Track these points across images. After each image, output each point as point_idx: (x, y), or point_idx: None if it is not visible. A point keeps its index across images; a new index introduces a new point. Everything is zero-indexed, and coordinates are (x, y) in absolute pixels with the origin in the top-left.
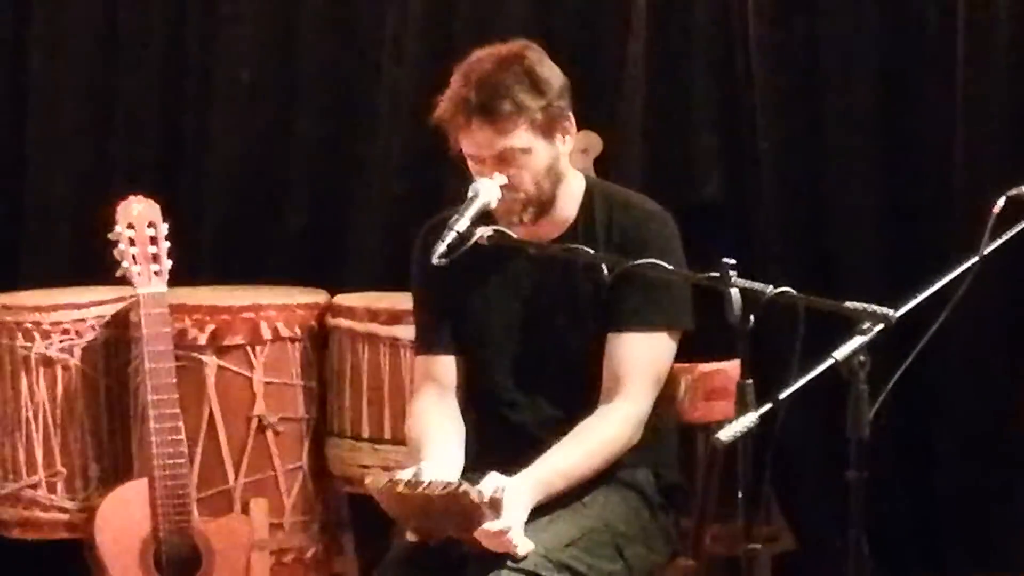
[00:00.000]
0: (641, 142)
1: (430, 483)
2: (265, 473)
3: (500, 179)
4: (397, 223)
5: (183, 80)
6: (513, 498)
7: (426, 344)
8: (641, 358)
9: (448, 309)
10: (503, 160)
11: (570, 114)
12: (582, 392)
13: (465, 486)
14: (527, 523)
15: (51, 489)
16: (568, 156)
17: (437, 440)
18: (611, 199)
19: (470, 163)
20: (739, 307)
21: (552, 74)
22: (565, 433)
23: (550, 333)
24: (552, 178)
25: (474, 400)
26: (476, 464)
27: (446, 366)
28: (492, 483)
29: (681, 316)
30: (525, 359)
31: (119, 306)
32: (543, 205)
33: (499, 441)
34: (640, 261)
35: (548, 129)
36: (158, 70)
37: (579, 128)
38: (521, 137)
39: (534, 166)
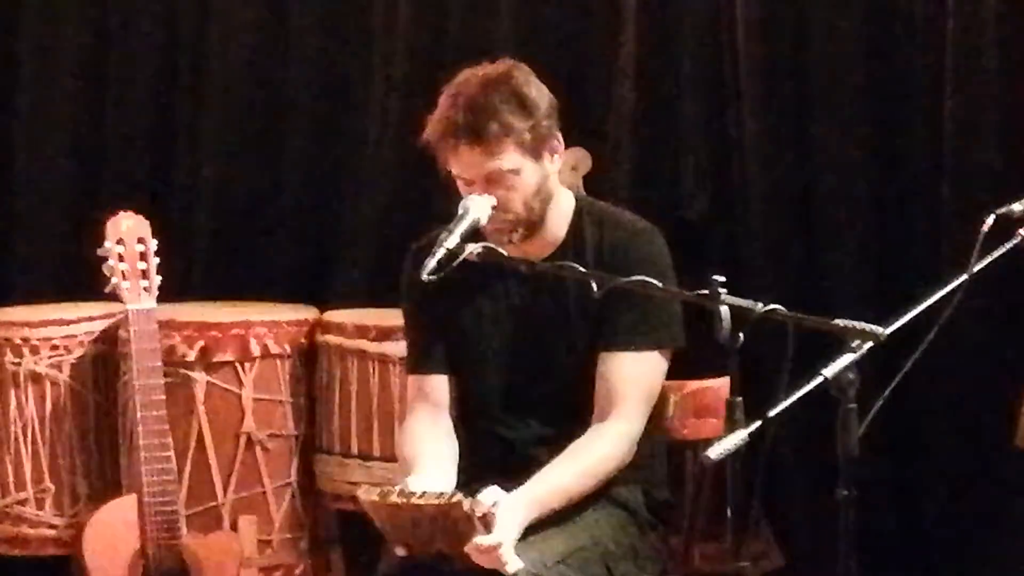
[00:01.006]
0: (629, 159)
1: (423, 494)
2: (254, 490)
3: (490, 200)
4: (386, 240)
5: (173, 97)
6: (506, 515)
7: (417, 364)
8: (634, 377)
9: (439, 328)
10: (492, 181)
11: (558, 133)
12: (573, 410)
13: (458, 496)
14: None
15: (39, 505)
16: (557, 175)
17: (429, 458)
18: (600, 217)
19: (459, 184)
20: (729, 324)
21: (539, 94)
22: (557, 450)
23: (540, 351)
24: (541, 198)
25: (466, 418)
26: (469, 481)
27: (438, 385)
28: (492, 496)
29: (673, 334)
30: (516, 377)
31: (108, 322)
32: (533, 225)
33: (491, 459)
34: (630, 279)
35: (536, 149)
36: (148, 86)
37: (568, 145)
38: (509, 158)
39: (523, 187)
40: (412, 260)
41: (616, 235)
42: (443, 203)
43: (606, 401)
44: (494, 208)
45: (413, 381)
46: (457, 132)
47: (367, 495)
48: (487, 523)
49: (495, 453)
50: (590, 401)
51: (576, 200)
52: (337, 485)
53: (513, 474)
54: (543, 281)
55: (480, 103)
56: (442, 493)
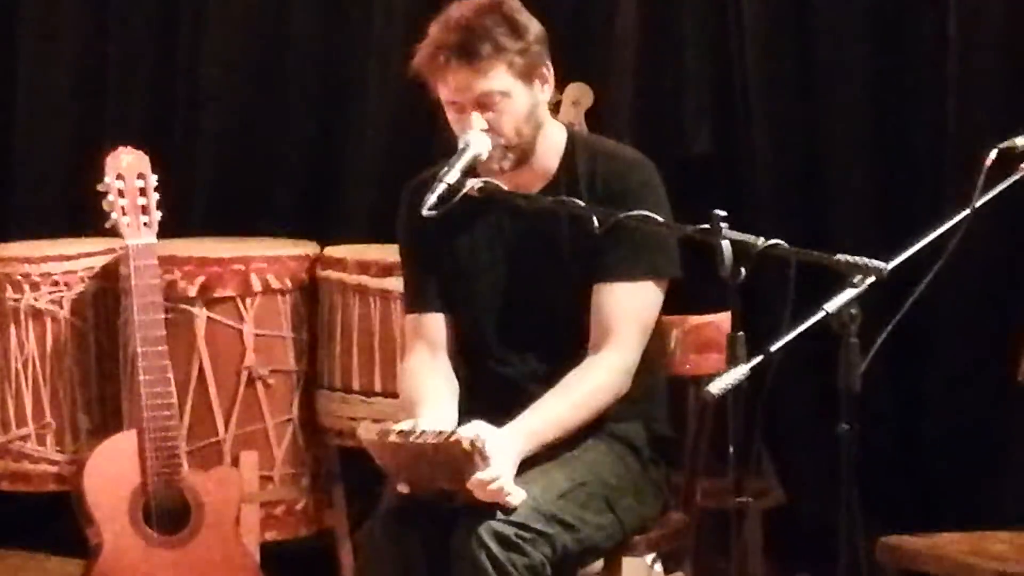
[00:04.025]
0: (632, 95)
1: (423, 432)
2: (255, 425)
3: (480, 123)
4: (388, 175)
5: (175, 32)
6: (500, 448)
7: (415, 303)
8: (628, 308)
9: (434, 266)
10: (482, 104)
11: (548, 63)
12: (569, 344)
13: (458, 435)
14: (517, 475)
15: (40, 441)
16: (547, 106)
17: (430, 397)
18: (593, 149)
19: (449, 112)
20: (730, 259)
21: (530, 21)
22: (554, 385)
23: (535, 286)
24: (532, 125)
25: (463, 355)
26: (468, 418)
27: (436, 324)
28: (472, 431)
29: (667, 265)
30: (511, 313)
31: (108, 258)
32: (523, 152)
33: (489, 395)
34: (632, 213)
35: (527, 73)
36: (150, 21)
37: (571, 81)
38: (500, 79)
39: (514, 110)
40: (407, 200)
41: (608, 166)
42: (444, 138)
43: (601, 332)
44: (483, 132)
45: (411, 320)
46: (449, 53)
47: (367, 434)
48: (485, 458)
49: (493, 390)
50: (585, 334)
51: (568, 134)
52: (339, 421)
53: (511, 410)
54: (536, 216)
55: (472, 24)
56: (441, 431)
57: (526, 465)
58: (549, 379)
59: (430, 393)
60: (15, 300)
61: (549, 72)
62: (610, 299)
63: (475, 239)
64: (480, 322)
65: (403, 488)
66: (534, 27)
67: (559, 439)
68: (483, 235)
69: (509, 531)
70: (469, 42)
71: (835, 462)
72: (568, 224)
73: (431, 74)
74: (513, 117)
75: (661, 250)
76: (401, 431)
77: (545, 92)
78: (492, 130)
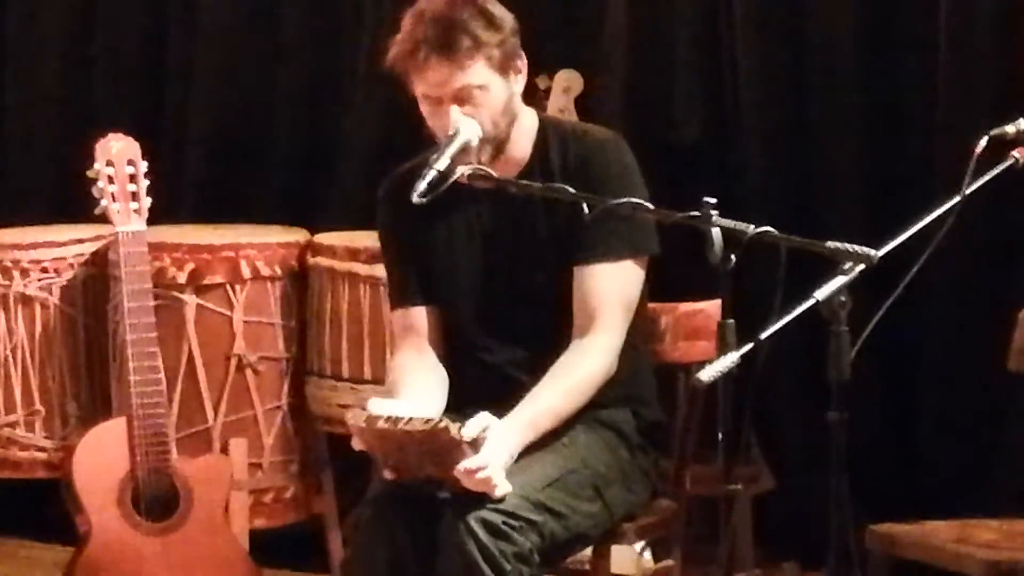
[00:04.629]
0: (622, 81)
1: (410, 419)
2: (244, 412)
3: (458, 115)
4: (378, 162)
5: (166, 18)
6: (494, 439)
7: (400, 298)
8: (610, 289)
9: (414, 259)
10: (460, 98)
11: (522, 53)
12: (552, 329)
13: (445, 422)
14: None
15: (29, 428)
16: (520, 95)
17: (411, 386)
18: (563, 132)
19: (424, 105)
20: (720, 246)
21: (503, 12)
22: (538, 372)
23: (513, 273)
24: (507, 116)
25: (449, 345)
26: (456, 409)
27: (422, 317)
28: (481, 422)
29: (646, 242)
30: (492, 300)
31: (98, 244)
32: (499, 144)
33: (476, 384)
34: (621, 200)
35: (504, 66)
36: (140, 8)
37: (560, 68)
38: (479, 73)
39: (491, 103)
40: (385, 193)
41: (580, 148)
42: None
43: (584, 315)
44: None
45: (398, 316)
46: (428, 47)
47: (354, 420)
48: (476, 447)
49: (478, 378)
50: (568, 321)
51: (539, 119)
52: (328, 408)
53: (497, 398)
54: (511, 203)
55: (448, 18)
56: (429, 419)
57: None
58: (532, 365)
59: (412, 383)
60: (4, 287)
61: (523, 62)
62: (591, 281)
63: (452, 229)
64: (461, 311)
65: (389, 475)
66: (508, 18)
67: (556, 426)
68: (460, 225)
69: (497, 519)
70: (447, 36)
71: (825, 449)
72: (544, 209)
73: (408, 69)
74: (490, 110)
75: (638, 228)
76: (388, 418)
77: (519, 83)
78: None
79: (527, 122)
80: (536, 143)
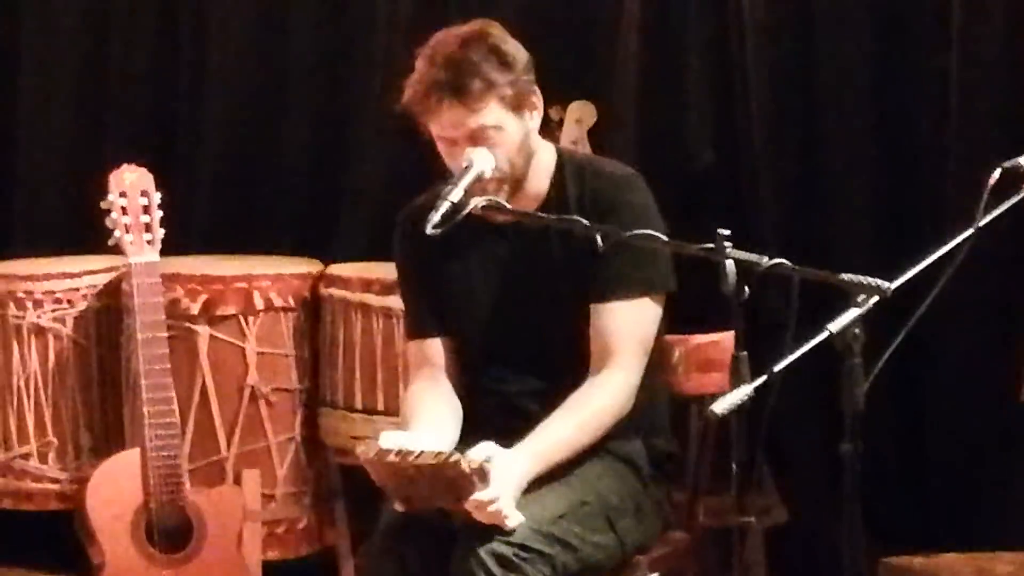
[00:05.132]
0: (635, 113)
1: (421, 453)
2: (258, 443)
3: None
4: (391, 194)
5: (177, 49)
6: (504, 469)
7: (415, 330)
8: (628, 326)
9: (431, 290)
10: (475, 139)
11: (536, 89)
12: (565, 363)
13: (456, 455)
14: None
15: (42, 459)
16: (537, 131)
17: (425, 417)
18: (581, 167)
19: (441, 146)
20: (734, 278)
21: (516, 50)
22: (550, 404)
23: (528, 306)
24: (524, 154)
25: (463, 377)
26: (469, 439)
27: (436, 348)
28: (483, 452)
29: (663, 279)
30: (506, 332)
31: (112, 275)
32: (517, 182)
33: (489, 416)
34: (635, 232)
35: (517, 104)
36: (151, 38)
37: (573, 99)
38: (492, 114)
39: (507, 143)
40: (401, 226)
41: (597, 184)
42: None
43: (602, 352)
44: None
45: (413, 347)
46: (439, 90)
47: (365, 453)
48: (483, 477)
49: (490, 408)
50: (581, 354)
51: (557, 153)
52: (341, 439)
53: (508, 429)
54: (528, 237)
55: (460, 60)
56: (439, 452)
57: (528, 485)
58: (545, 397)
59: (426, 415)
60: (18, 317)
61: (538, 98)
62: (608, 319)
63: (470, 260)
64: (476, 341)
65: (400, 507)
66: (521, 55)
67: (566, 460)
68: (478, 256)
69: (508, 551)
70: (459, 79)
71: (838, 481)
72: (562, 243)
73: (421, 112)
74: (506, 148)
75: (655, 265)
76: (399, 451)
77: (535, 119)
78: None
79: (545, 157)
80: (554, 178)
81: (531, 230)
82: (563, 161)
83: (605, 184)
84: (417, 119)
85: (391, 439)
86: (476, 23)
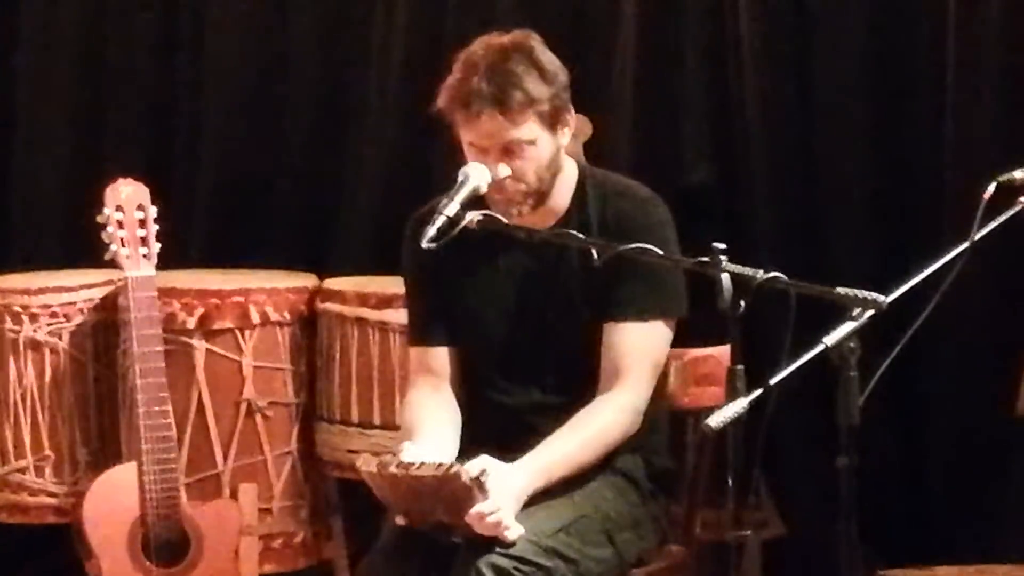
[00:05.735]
0: (631, 126)
1: (422, 464)
2: (254, 458)
3: (504, 170)
4: (387, 207)
5: (173, 63)
6: (503, 483)
7: (419, 336)
8: (639, 347)
9: (440, 299)
10: (508, 151)
11: (571, 106)
12: (573, 379)
13: (457, 467)
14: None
15: (39, 473)
16: (564, 148)
17: (428, 427)
18: (603, 186)
19: (469, 152)
20: (730, 292)
21: (556, 65)
22: (556, 419)
23: (540, 320)
24: (552, 170)
25: (466, 386)
26: (471, 451)
27: (440, 356)
28: (479, 465)
29: (679, 305)
30: (515, 346)
31: (108, 289)
32: (542, 196)
33: (493, 428)
34: (630, 246)
35: (553, 121)
36: (148, 51)
37: None
38: (529, 129)
39: (537, 158)
40: (412, 229)
41: (619, 204)
42: (445, 171)
43: (612, 371)
44: (508, 179)
45: (415, 353)
46: (481, 100)
47: (366, 466)
48: (484, 490)
49: (495, 421)
50: (590, 370)
51: (579, 169)
52: (337, 453)
53: (512, 442)
54: (546, 250)
55: (503, 71)
56: (440, 464)
57: (528, 500)
58: (551, 412)
59: (430, 424)
60: (14, 331)
61: (572, 116)
62: (621, 338)
63: (482, 273)
64: (483, 353)
65: (401, 520)
66: (560, 71)
67: (567, 477)
68: (491, 269)
69: (508, 564)
70: (501, 91)
71: (834, 495)
72: (577, 260)
73: (459, 119)
74: (536, 164)
75: (672, 288)
76: (399, 463)
77: (566, 136)
78: (515, 177)
79: (568, 174)
80: (575, 195)
81: (549, 246)
82: (584, 179)
83: (628, 205)
84: (451, 124)
85: (412, 453)
86: (516, 33)
